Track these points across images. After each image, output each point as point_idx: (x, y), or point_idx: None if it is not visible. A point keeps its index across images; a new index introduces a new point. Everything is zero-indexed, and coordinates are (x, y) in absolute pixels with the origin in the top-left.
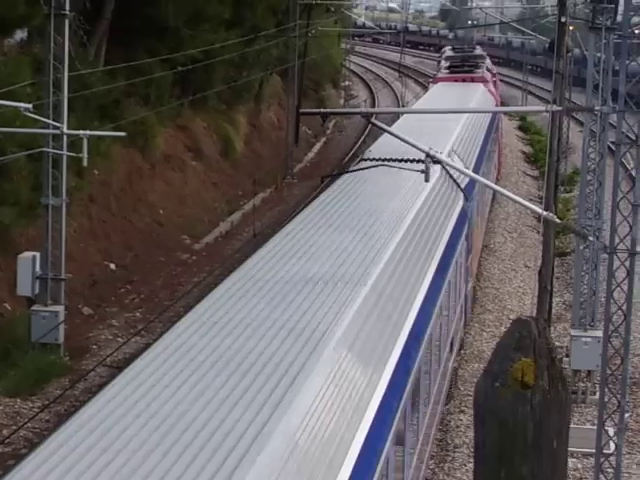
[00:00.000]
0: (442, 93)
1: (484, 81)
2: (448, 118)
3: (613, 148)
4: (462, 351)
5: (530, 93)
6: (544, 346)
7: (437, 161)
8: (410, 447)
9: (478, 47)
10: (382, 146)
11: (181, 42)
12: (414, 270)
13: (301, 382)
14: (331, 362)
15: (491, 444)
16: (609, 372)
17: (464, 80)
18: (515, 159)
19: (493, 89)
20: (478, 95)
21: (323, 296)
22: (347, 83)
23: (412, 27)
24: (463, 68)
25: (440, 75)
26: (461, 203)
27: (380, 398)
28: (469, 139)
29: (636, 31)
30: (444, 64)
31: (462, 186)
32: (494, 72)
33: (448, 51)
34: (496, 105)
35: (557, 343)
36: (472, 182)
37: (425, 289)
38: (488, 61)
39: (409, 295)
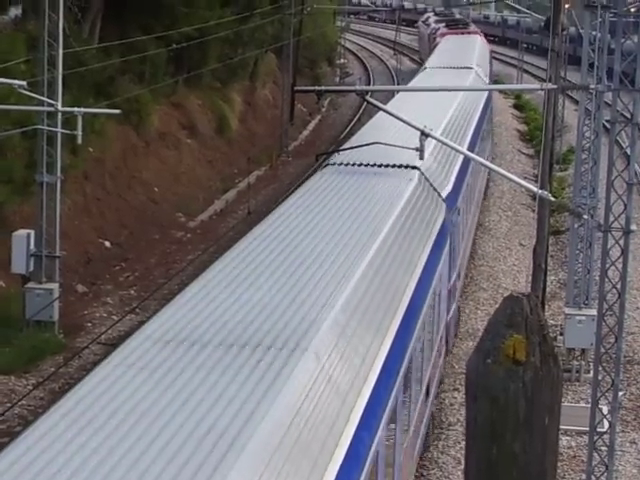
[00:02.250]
0: (454, 41)
1: (478, 34)
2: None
3: (608, 126)
4: (452, 348)
5: (525, 71)
6: (536, 323)
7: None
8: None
9: (456, 14)
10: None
11: (176, 19)
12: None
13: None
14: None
15: (483, 421)
16: (603, 350)
17: (463, 33)
18: (510, 137)
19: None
20: (479, 42)
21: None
22: (342, 61)
23: (407, 5)
24: (459, 25)
25: (442, 31)
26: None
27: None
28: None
29: (632, 9)
30: (436, 25)
31: (444, 195)
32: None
33: (432, 16)
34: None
35: (551, 321)
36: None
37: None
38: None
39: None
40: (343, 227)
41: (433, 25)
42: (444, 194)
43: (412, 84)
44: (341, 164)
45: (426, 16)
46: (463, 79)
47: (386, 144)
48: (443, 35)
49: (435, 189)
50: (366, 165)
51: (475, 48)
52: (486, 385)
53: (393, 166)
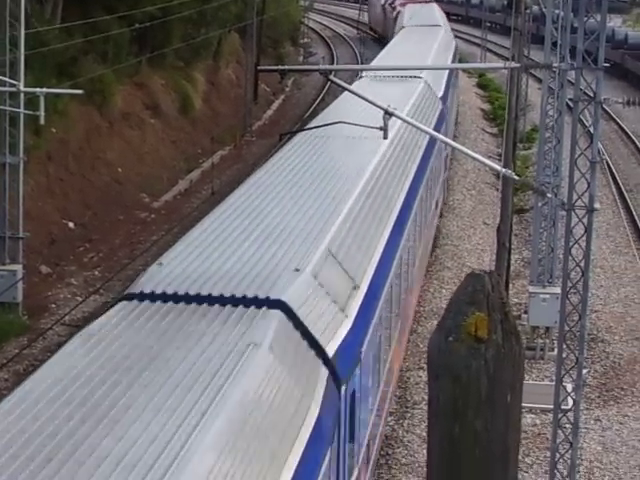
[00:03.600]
0: (419, 5)
1: (433, 2)
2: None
3: (571, 105)
4: (416, 326)
5: (489, 50)
6: (498, 300)
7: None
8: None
9: None
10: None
11: None
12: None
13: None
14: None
15: (445, 399)
16: (567, 328)
17: (420, 2)
18: (474, 116)
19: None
20: (436, 8)
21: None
22: (306, 40)
23: None
24: None
25: (402, 1)
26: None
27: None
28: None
29: None
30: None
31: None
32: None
33: None
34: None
35: (515, 300)
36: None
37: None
38: None
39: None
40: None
41: None
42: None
43: (391, 43)
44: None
45: None
46: (436, 34)
47: (350, 123)
48: (404, 4)
49: None
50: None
51: (435, 10)
52: (448, 363)
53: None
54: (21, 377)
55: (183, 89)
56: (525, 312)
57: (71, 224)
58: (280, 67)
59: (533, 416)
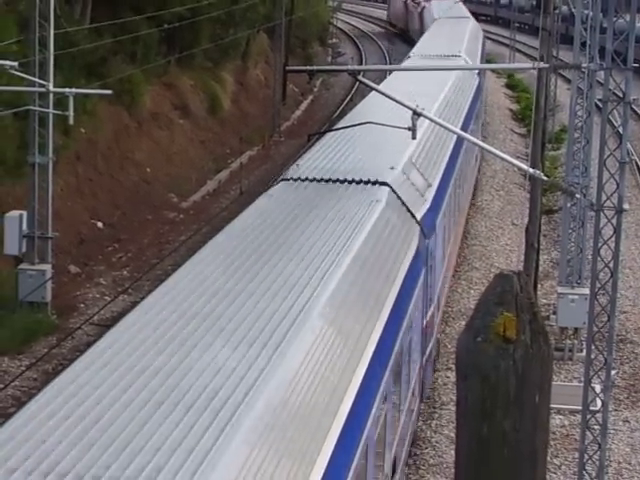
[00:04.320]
0: (444, 3)
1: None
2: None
3: (600, 105)
4: (444, 327)
5: (518, 51)
6: (526, 300)
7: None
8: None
9: None
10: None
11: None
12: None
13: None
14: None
15: (473, 399)
16: (596, 329)
17: None
18: (503, 117)
19: None
20: (460, 4)
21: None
22: (334, 41)
23: None
24: None
25: None
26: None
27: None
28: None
29: None
30: None
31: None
32: None
33: None
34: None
35: (544, 300)
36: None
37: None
38: None
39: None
40: None
41: None
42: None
43: (430, 31)
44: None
45: None
46: (467, 24)
47: (378, 124)
48: (428, 0)
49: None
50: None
51: (460, 4)
52: (476, 363)
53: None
54: (50, 377)
55: (212, 89)
56: (554, 313)
57: (100, 224)
58: (308, 67)
59: (561, 417)
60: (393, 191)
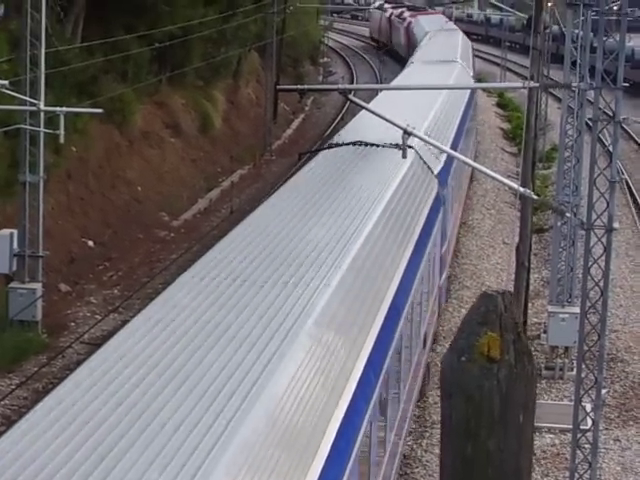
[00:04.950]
0: (429, 16)
1: (438, 13)
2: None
3: (590, 124)
4: (435, 345)
5: (509, 70)
6: (510, 320)
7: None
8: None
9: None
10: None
11: (159, 18)
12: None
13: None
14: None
15: (457, 419)
16: (586, 348)
17: (427, 14)
18: (493, 135)
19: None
20: (442, 17)
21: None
22: (325, 60)
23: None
24: (419, 10)
25: (411, 13)
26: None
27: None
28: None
29: (614, 7)
30: (396, 10)
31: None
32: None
33: (385, 4)
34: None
35: (535, 319)
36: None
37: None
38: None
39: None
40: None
41: (392, 10)
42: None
43: (425, 42)
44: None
45: (378, 4)
46: (457, 34)
47: (368, 143)
48: (414, 15)
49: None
50: None
51: (445, 18)
52: (461, 383)
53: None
54: (40, 395)
55: (203, 108)
56: (544, 332)
57: (91, 243)
58: (299, 86)
59: (552, 436)
60: (417, 153)
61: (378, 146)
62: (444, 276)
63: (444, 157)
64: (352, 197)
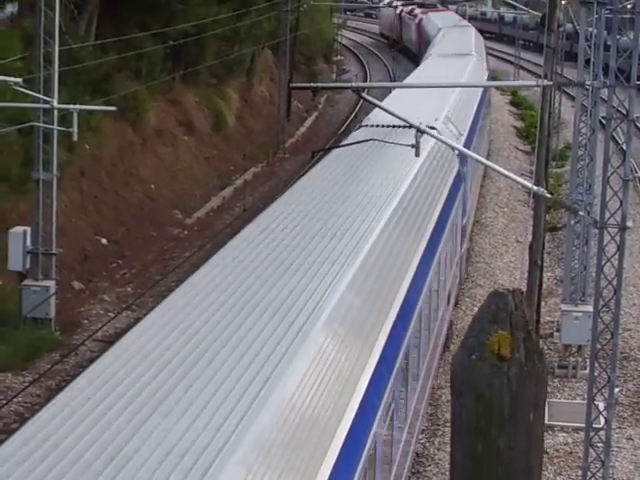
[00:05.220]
0: (440, 12)
1: (448, 10)
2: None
3: (604, 123)
4: (458, 306)
5: (522, 68)
6: (520, 319)
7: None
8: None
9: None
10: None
11: (172, 16)
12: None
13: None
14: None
15: (468, 417)
16: (599, 347)
17: (439, 11)
18: (507, 134)
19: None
20: (453, 14)
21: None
22: (339, 57)
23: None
24: (429, 6)
25: (422, 10)
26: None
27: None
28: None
29: (627, 5)
30: (407, 8)
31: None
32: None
33: (395, 2)
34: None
35: (548, 318)
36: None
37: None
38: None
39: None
40: None
41: (402, 7)
42: None
43: (439, 37)
44: None
45: (387, 1)
46: (470, 30)
47: (382, 141)
48: (425, 12)
49: None
50: None
51: (456, 15)
52: (471, 381)
53: None
54: (53, 393)
55: (216, 106)
56: (557, 330)
57: (104, 240)
58: (313, 85)
59: (565, 435)
60: (439, 133)
61: (391, 143)
62: (465, 246)
63: (464, 138)
64: (375, 180)
